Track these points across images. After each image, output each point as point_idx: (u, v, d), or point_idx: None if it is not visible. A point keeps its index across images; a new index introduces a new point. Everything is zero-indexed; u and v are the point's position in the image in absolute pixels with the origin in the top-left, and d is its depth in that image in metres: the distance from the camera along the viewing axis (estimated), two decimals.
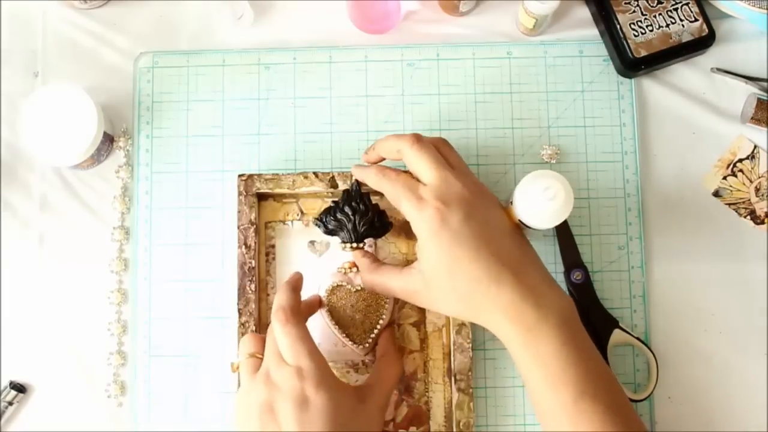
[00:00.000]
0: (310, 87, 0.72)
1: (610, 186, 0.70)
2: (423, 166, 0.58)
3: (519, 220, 0.61)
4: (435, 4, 0.73)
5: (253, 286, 0.66)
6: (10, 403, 0.67)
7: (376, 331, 0.64)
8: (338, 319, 0.64)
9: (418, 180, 0.59)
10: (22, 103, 0.66)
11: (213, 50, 0.72)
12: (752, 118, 0.70)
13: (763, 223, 0.70)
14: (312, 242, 0.69)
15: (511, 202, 0.62)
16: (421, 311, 0.68)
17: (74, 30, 0.73)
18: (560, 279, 0.68)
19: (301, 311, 0.59)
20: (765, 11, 0.69)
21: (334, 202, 0.66)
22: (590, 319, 0.66)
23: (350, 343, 0.64)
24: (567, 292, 0.68)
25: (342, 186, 0.67)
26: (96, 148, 0.66)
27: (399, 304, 0.68)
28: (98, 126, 0.66)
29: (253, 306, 0.65)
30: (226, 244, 0.69)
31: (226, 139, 0.71)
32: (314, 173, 0.67)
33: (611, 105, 0.71)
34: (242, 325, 0.65)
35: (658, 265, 0.70)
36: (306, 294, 0.64)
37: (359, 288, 0.65)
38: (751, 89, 0.72)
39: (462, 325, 0.65)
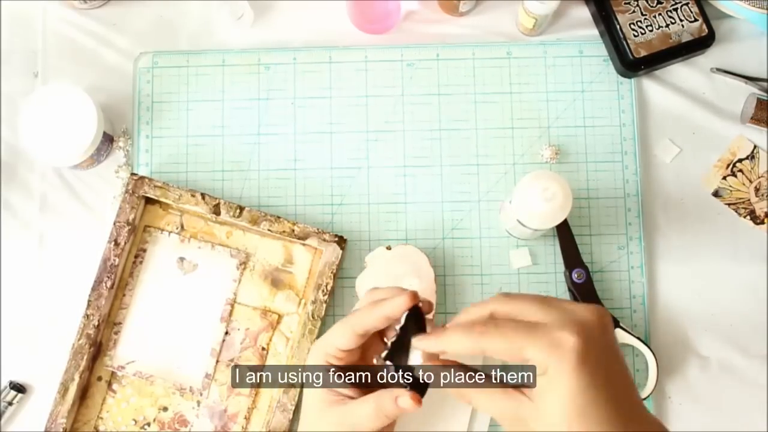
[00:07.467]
0: (310, 87, 0.72)
1: (610, 186, 0.70)
2: (529, 307, 0.46)
3: (518, 220, 0.62)
4: (435, 4, 0.73)
5: (109, 283, 0.65)
6: (10, 403, 0.67)
7: None
8: None
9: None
10: (22, 103, 0.66)
11: (213, 50, 0.72)
12: (752, 118, 0.70)
13: (763, 223, 0.70)
14: (181, 259, 0.67)
15: (510, 202, 0.62)
16: (263, 357, 0.66)
17: (74, 30, 0.73)
18: (561, 279, 0.68)
19: None
20: (765, 11, 0.69)
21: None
22: None
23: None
24: (568, 292, 0.68)
25: (224, 214, 0.65)
26: (96, 148, 0.66)
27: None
28: (98, 126, 0.66)
29: (104, 302, 0.65)
30: None
31: (226, 140, 0.71)
32: (202, 194, 0.66)
33: (611, 105, 0.71)
34: (86, 316, 0.64)
35: (658, 265, 0.70)
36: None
37: None
38: (751, 89, 0.72)
39: (291, 386, 0.63)
